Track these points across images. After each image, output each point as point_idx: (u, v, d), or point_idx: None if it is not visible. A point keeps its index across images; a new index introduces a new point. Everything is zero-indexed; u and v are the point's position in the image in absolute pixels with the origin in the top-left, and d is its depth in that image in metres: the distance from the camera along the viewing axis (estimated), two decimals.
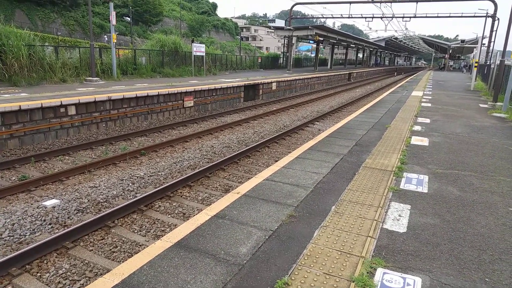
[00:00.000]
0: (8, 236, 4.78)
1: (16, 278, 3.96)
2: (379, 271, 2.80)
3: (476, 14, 39.25)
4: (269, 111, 15.69)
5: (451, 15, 39.78)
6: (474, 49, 29.63)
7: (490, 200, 4.32)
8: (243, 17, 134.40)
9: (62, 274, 4.10)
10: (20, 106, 9.02)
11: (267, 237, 3.27)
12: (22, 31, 14.35)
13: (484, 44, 37.33)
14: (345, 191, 4.47)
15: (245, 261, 2.88)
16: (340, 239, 3.28)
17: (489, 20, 38.97)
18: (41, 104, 9.49)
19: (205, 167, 7.45)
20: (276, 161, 7.32)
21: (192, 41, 23.13)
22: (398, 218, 3.75)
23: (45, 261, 4.32)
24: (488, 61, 34.78)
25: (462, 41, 50.36)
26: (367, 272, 2.76)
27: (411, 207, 4.03)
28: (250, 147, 9.12)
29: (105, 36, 36.58)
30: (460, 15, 39.39)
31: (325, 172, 5.16)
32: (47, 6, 35.08)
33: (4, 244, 4.61)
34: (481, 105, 13.85)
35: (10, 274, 3.98)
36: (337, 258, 2.97)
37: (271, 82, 21.49)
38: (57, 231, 5.00)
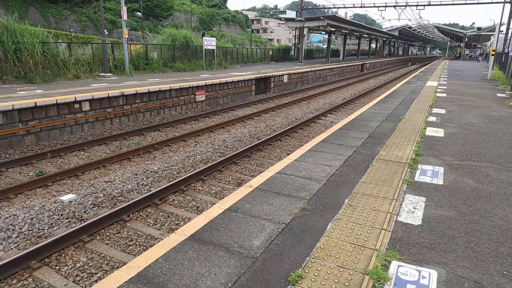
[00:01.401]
0: (28, 230, 4.91)
1: (36, 271, 4.07)
2: (394, 264, 2.78)
3: (493, 0, 38.06)
4: (280, 104, 15.62)
5: (467, 2, 38.59)
6: (491, 36, 28.81)
7: (508, 192, 4.22)
8: (253, 9, 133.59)
9: (79, 267, 4.20)
10: (35, 102, 9.19)
11: (280, 230, 3.28)
12: (36, 28, 14.60)
13: (502, 31, 36.23)
14: (358, 183, 4.43)
15: (258, 254, 2.90)
16: (354, 232, 3.26)
17: (508, 6, 37.79)
18: (56, 100, 9.65)
19: (217, 161, 7.49)
20: (288, 154, 7.30)
21: (203, 35, 23.08)
22: (412, 210, 3.70)
23: (63, 255, 4.42)
24: (506, 49, 33.82)
25: (479, 28, 48.83)
26: (382, 265, 2.75)
27: (426, 199, 3.98)
28: (262, 140, 9.11)
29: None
30: (476, 2, 38.22)
31: (338, 165, 5.13)
32: (60, 3, 35.46)
33: (23, 238, 4.74)
34: (498, 95, 13.50)
35: (30, 267, 4.09)
36: (351, 251, 2.95)
37: (283, 75, 21.36)
38: (74, 225, 5.11)
